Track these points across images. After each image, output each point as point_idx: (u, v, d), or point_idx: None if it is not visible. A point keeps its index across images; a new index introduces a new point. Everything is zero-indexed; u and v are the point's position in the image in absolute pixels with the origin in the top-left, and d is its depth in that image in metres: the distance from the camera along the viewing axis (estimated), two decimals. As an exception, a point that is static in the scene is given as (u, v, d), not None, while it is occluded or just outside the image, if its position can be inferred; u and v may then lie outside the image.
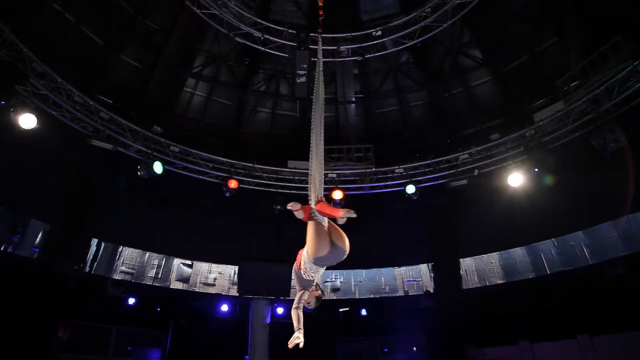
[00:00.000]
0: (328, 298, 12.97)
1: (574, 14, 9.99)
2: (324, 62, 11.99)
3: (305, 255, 4.15)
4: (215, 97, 13.34)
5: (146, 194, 11.58)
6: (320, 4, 6.84)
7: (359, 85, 13.59)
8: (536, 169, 9.51)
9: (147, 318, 11.71)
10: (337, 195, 10.76)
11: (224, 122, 13.52)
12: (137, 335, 11.72)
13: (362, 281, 13.06)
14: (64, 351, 10.14)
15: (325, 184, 4.59)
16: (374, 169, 11.53)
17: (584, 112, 9.17)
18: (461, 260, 12.28)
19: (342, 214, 3.62)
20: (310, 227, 3.98)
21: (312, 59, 10.74)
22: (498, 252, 11.89)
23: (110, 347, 11.10)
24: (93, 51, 10.86)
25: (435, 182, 11.30)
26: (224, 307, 12.39)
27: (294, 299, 4.27)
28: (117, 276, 11.22)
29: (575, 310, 9.68)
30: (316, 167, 4.19)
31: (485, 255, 12.07)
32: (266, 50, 11.18)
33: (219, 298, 12.43)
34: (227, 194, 11.10)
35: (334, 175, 11.36)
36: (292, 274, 4.35)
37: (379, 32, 11.00)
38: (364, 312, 12.92)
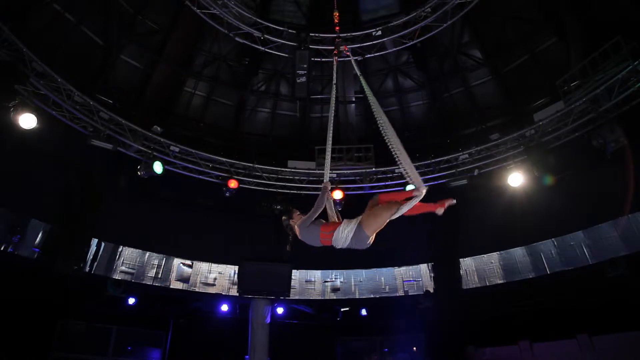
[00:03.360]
0: (328, 298, 12.99)
1: (573, 14, 9.98)
2: (323, 62, 12.03)
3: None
4: (215, 97, 13.35)
5: (146, 194, 11.59)
6: (336, 20, 6.76)
7: (359, 85, 13.58)
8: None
9: (147, 318, 11.71)
10: (337, 195, 10.76)
11: (224, 122, 13.53)
12: (137, 335, 11.72)
13: (362, 281, 13.06)
14: (64, 351, 10.15)
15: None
16: (374, 169, 11.53)
17: (584, 112, 9.17)
18: (461, 260, 12.28)
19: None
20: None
21: (313, 58, 10.74)
22: (498, 252, 11.87)
23: (110, 347, 11.11)
24: (93, 51, 10.86)
25: (435, 182, 11.29)
26: (224, 307, 12.40)
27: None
28: (117, 276, 11.22)
29: (575, 310, 9.66)
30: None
31: (485, 255, 12.06)
32: (266, 50, 11.19)
33: (219, 298, 12.44)
34: (227, 194, 11.10)
35: (334, 175, 11.36)
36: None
37: (379, 32, 11.00)
38: (364, 312, 12.93)
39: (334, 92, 5.53)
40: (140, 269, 11.71)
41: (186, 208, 12.35)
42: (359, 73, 5.31)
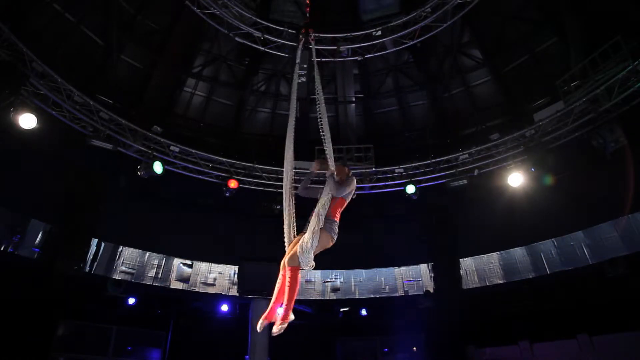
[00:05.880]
0: (328, 298, 12.99)
1: (573, 14, 9.98)
2: (323, 62, 12.06)
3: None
4: (215, 97, 13.35)
5: (146, 194, 11.58)
6: (307, 9, 6.83)
7: (359, 85, 13.59)
8: (532, 169, 9.53)
9: (147, 318, 11.71)
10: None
11: (224, 122, 13.53)
12: (137, 335, 11.72)
13: (362, 281, 13.06)
14: (64, 351, 10.15)
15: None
16: (374, 169, 11.53)
17: (584, 112, 9.17)
18: (461, 260, 12.29)
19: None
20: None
21: (312, 59, 10.72)
22: (498, 252, 11.89)
23: (110, 347, 11.10)
24: (93, 51, 10.87)
25: (435, 182, 11.30)
26: (224, 307, 12.41)
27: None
28: (117, 276, 11.21)
29: (575, 310, 9.67)
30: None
31: (485, 255, 12.07)
32: (266, 50, 11.20)
33: (219, 298, 12.44)
34: (227, 194, 11.11)
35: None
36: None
37: (379, 32, 11.01)
38: (364, 312, 12.93)
39: (295, 78, 5.68)
40: (140, 269, 11.71)
41: (186, 208, 12.35)
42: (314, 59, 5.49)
